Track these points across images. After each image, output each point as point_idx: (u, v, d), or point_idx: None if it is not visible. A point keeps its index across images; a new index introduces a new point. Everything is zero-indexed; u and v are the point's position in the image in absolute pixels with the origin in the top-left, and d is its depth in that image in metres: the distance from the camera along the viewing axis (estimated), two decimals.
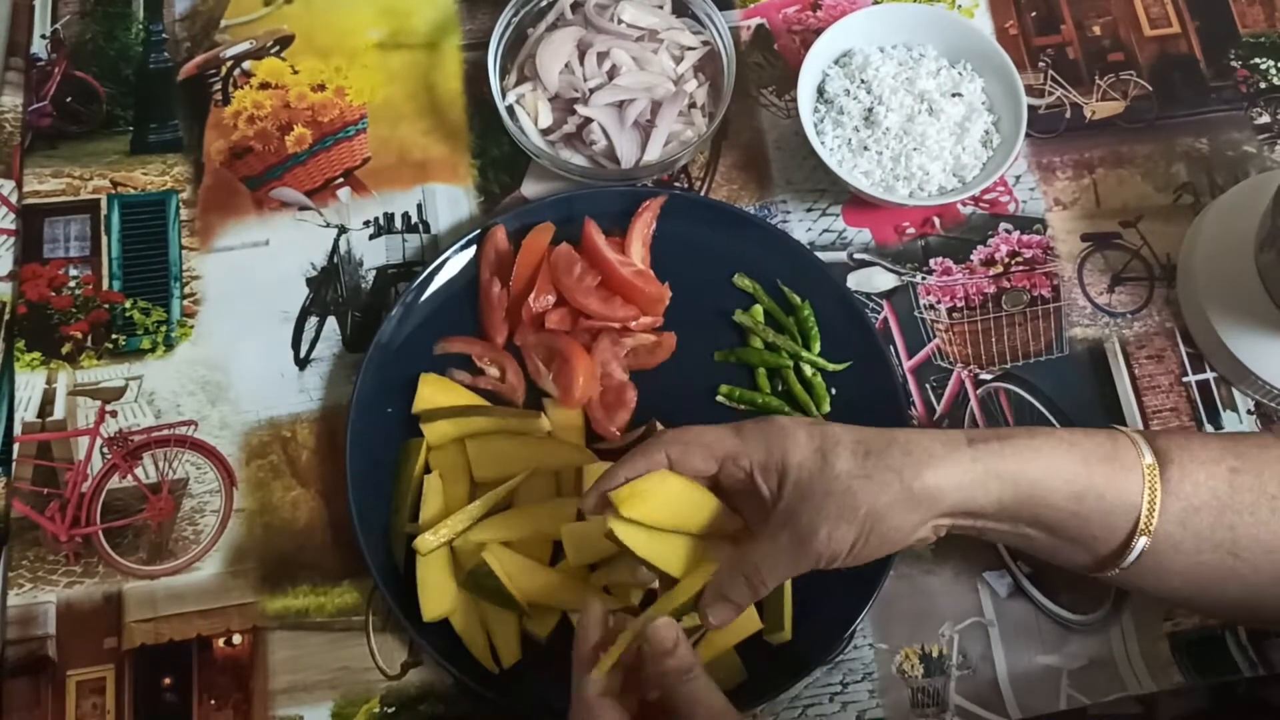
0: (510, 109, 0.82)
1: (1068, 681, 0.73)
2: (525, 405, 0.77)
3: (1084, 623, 0.75)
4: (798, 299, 0.80)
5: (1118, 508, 0.60)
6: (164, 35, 0.89)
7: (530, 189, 0.85)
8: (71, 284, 0.81)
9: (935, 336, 0.83)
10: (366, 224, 0.84)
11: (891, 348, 0.81)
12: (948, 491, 0.58)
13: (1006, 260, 0.85)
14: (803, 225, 0.85)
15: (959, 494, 0.59)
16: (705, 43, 0.86)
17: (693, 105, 0.84)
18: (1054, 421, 0.80)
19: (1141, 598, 0.75)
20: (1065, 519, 0.60)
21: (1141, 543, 0.60)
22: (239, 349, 0.80)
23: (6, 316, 0.80)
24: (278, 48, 0.89)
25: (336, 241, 0.83)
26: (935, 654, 0.74)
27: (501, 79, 0.83)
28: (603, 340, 0.77)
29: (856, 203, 0.86)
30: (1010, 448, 0.59)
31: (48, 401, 0.78)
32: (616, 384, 0.77)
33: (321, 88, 0.88)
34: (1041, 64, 0.92)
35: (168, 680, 0.72)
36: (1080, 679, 0.73)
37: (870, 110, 0.83)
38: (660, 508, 0.61)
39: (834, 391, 0.78)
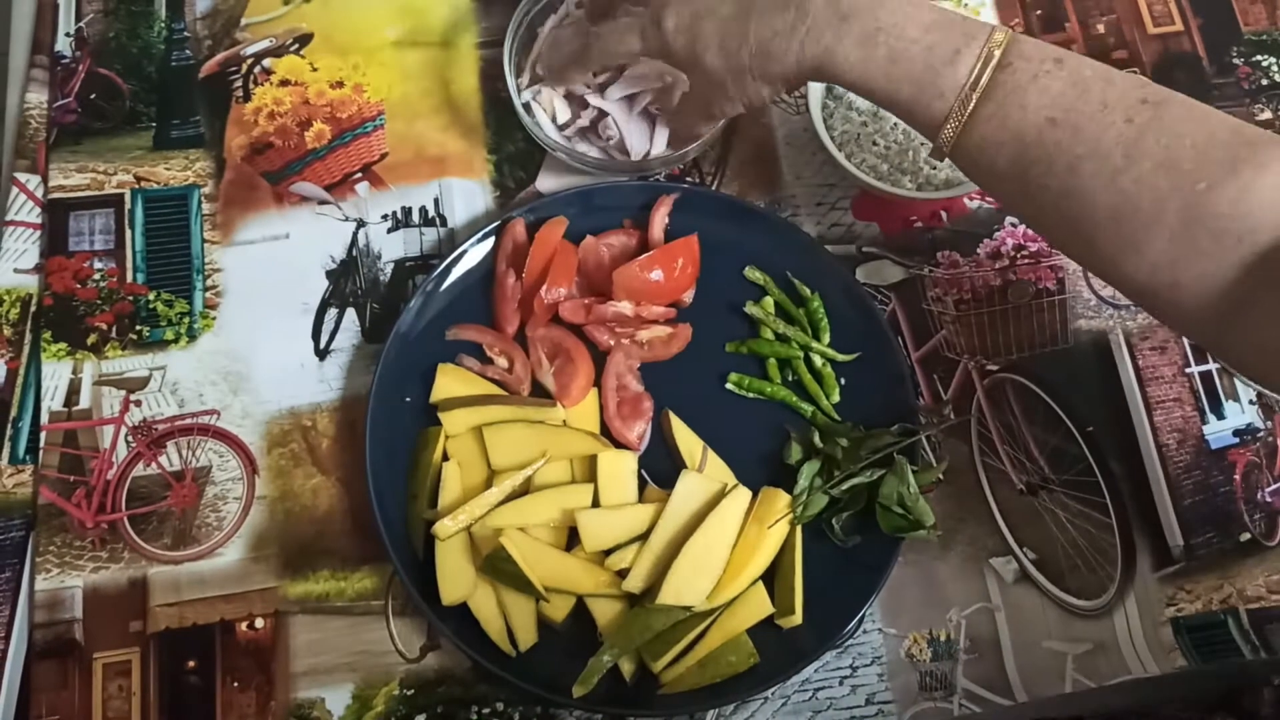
0: (526, 104, 0.84)
1: (1073, 665, 0.75)
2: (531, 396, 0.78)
3: (1089, 608, 0.76)
4: (808, 291, 0.81)
5: (923, 119, 0.65)
6: (186, 33, 0.91)
7: (545, 184, 0.87)
8: (96, 276, 0.83)
9: (942, 328, 0.84)
10: (384, 218, 0.86)
11: (899, 339, 0.83)
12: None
13: (1012, 253, 0.86)
14: (812, 219, 0.87)
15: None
16: None
17: None
18: (1060, 413, 0.81)
19: (1144, 589, 0.77)
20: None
21: (936, 146, 0.65)
22: (260, 340, 0.82)
23: (33, 308, 0.82)
24: (297, 45, 0.91)
25: (355, 235, 0.85)
26: (943, 638, 0.75)
27: (516, 76, 0.85)
28: (616, 354, 0.78)
29: (865, 197, 0.87)
30: (830, 62, 0.66)
31: (74, 391, 0.80)
32: (632, 395, 0.79)
33: (340, 85, 0.89)
34: None
35: (191, 663, 0.74)
36: (1085, 663, 0.75)
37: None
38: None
39: (843, 381, 0.80)
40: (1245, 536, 0.79)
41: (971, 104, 0.62)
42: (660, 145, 0.83)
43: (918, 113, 0.65)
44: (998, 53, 0.62)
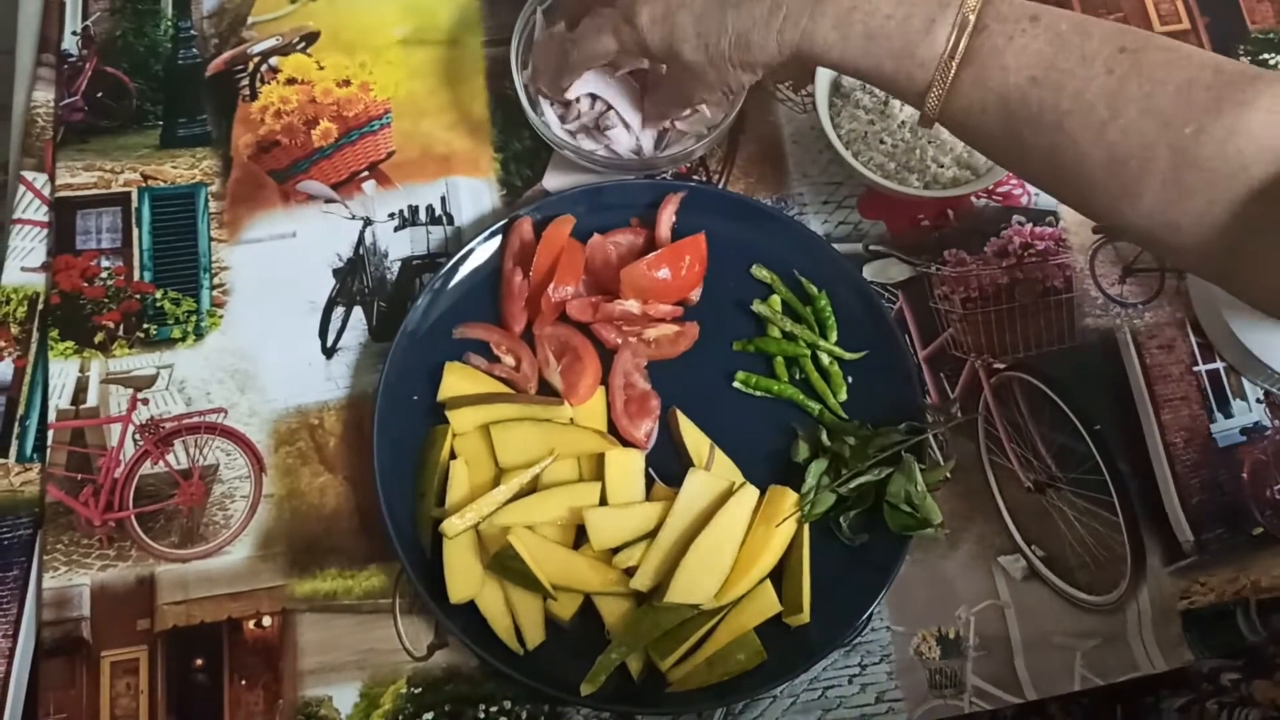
0: (533, 102, 0.84)
1: (1081, 662, 0.75)
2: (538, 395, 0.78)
3: (1101, 604, 0.76)
4: (815, 289, 0.81)
5: (908, 90, 0.65)
6: (192, 32, 0.91)
7: (552, 182, 0.87)
8: (103, 275, 0.83)
9: (949, 326, 0.84)
10: (391, 216, 0.85)
11: (906, 337, 0.82)
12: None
13: (1019, 252, 0.86)
14: (819, 217, 0.87)
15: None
16: None
17: None
18: (1068, 411, 0.81)
19: (1156, 585, 0.77)
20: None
21: (924, 114, 0.66)
22: (267, 338, 0.82)
23: (40, 306, 0.82)
24: (304, 44, 0.91)
25: (362, 233, 0.85)
26: (952, 636, 0.75)
27: (522, 73, 0.85)
28: (623, 353, 0.78)
29: (872, 195, 0.87)
30: (809, 46, 0.66)
31: (81, 389, 0.80)
32: (640, 393, 0.79)
33: (346, 83, 0.89)
34: None
35: (199, 661, 0.74)
36: (1093, 659, 0.75)
37: (885, 104, 0.85)
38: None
39: (850, 380, 0.80)
40: (1258, 530, 0.79)
41: (952, 71, 0.63)
42: (649, 138, 0.84)
43: (900, 85, 0.65)
44: (972, 17, 0.62)
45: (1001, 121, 0.63)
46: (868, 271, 0.85)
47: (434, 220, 0.86)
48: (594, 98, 0.83)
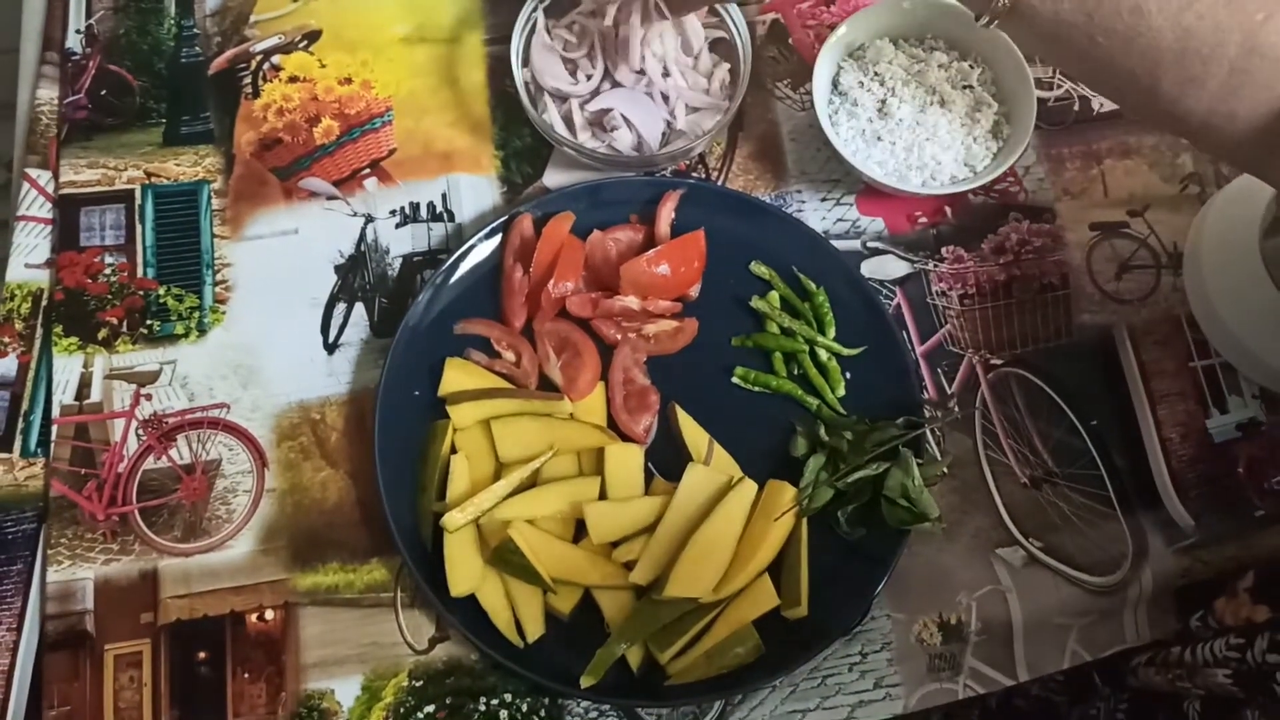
0: (534, 99, 0.85)
1: (1074, 638, 0.75)
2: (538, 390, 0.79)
3: (1104, 585, 0.77)
4: (813, 285, 0.82)
5: None
6: (195, 30, 0.92)
7: (552, 179, 0.87)
8: (107, 271, 0.83)
9: (947, 322, 0.85)
10: (393, 213, 0.86)
11: (904, 333, 0.83)
12: None
13: (1016, 248, 0.87)
14: (817, 214, 0.87)
15: None
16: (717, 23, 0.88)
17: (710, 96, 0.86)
18: (1064, 407, 0.82)
19: (1161, 565, 0.78)
20: None
21: (994, 9, 0.66)
22: (269, 334, 0.82)
23: (44, 303, 0.82)
24: (306, 42, 0.91)
25: (364, 230, 0.85)
26: (953, 621, 0.76)
27: (523, 70, 0.85)
28: (623, 348, 0.79)
29: (870, 192, 0.88)
30: None
31: (85, 385, 0.80)
32: (639, 389, 0.79)
33: (348, 81, 0.90)
34: None
35: (202, 654, 0.74)
36: (1085, 635, 0.76)
37: (884, 102, 0.85)
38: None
39: (848, 376, 0.80)
40: (1259, 513, 0.80)
41: None
42: (681, 125, 0.84)
43: None
44: None
45: (1077, 7, 0.63)
46: (866, 268, 0.85)
47: (435, 217, 0.86)
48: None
